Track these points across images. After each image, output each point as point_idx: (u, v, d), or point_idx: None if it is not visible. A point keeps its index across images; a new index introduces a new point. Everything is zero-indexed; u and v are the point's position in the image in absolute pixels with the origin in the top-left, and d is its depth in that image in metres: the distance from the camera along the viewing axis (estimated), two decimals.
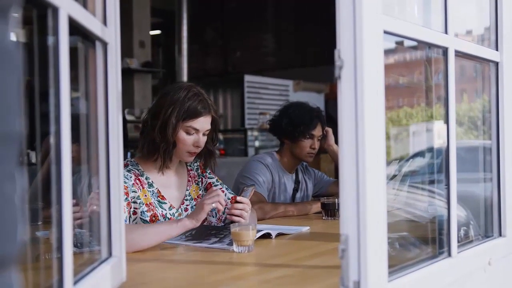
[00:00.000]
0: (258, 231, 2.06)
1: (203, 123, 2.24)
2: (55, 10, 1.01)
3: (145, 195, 2.21)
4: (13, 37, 0.59)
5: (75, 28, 1.14)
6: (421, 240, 1.76)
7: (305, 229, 2.38)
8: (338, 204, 2.67)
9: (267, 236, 2.14)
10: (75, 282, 1.11)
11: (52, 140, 1.03)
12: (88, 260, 1.40)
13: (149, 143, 2.23)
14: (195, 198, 2.39)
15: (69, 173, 1.04)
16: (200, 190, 2.42)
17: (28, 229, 0.64)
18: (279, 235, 2.21)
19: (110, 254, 1.39)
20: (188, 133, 2.22)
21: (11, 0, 0.57)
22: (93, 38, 1.31)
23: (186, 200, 2.36)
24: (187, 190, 2.38)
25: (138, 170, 2.23)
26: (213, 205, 2.00)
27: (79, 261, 1.29)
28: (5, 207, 0.57)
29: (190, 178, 2.41)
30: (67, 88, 1.04)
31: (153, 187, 2.25)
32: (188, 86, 2.29)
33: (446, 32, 1.54)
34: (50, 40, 1.04)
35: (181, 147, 2.24)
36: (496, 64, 1.84)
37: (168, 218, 2.24)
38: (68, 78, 1.05)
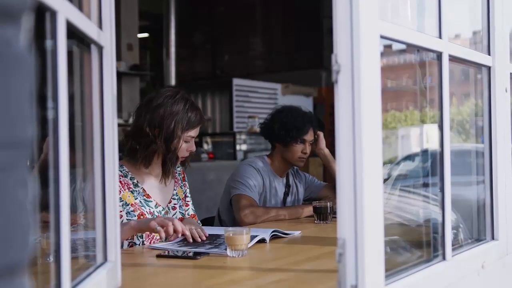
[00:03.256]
0: (252, 236, 2.05)
1: (198, 130, 2.39)
2: (53, 14, 1.00)
3: (128, 196, 2.27)
4: (24, 42, 0.59)
5: (71, 32, 1.13)
6: (414, 244, 1.76)
7: (297, 233, 2.38)
8: (330, 207, 2.69)
9: (261, 240, 2.14)
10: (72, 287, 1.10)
11: (50, 144, 1.03)
12: (83, 265, 1.39)
13: (151, 153, 2.29)
14: (182, 198, 2.49)
15: (66, 177, 1.03)
16: (183, 193, 2.53)
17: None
18: (274, 237, 2.21)
19: (105, 259, 1.38)
20: (186, 141, 2.34)
21: (23, 6, 0.57)
22: (88, 41, 1.31)
23: (174, 199, 2.45)
24: (175, 190, 2.47)
25: (121, 171, 2.26)
26: (158, 228, 1.98)
27: (74, 266, 1.28)
28: (18, 213, 0.57)
29: (176, 180, 2.51)
30: (64, 92, 1.03)
31: (139, 187, 2.32)
32: (181, 96, 2.35)
33: (440, 36, 1.55)
34: (48, 43, 1.03)
35: (177, 154, 2.34)
36: (488, 68, 1.85)
37: (155, 215, 2.31)
38: (66, 82, 1.04)
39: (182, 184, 2.53)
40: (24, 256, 0.58)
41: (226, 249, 1.90)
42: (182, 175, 2.57)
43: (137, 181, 2.32)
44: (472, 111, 2.07)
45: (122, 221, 2.21)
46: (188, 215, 2.44)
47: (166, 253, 1.94)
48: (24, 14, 0.58)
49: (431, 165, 1.85)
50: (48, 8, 0.99)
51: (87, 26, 1.22)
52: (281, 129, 3.03)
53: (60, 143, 1.02)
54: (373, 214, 1.20)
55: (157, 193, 2.38)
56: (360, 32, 1.17)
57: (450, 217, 1.56)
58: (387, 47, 1.53)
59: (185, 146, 2.34)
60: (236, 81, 8.27)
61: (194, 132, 2.35)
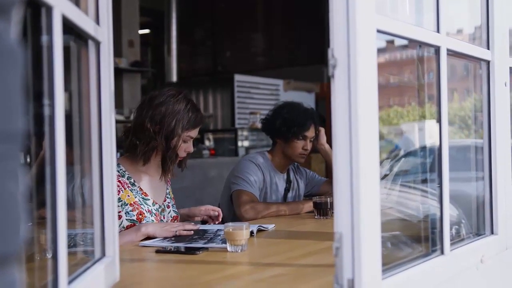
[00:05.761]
0: None
1: (197, 131, 2.41)
2: (49, 9, 1.00)
3: (128, 195, 2.30)
4: (14, 35, 0.59)
5: (68, 27, 1.13)
6: (413, 238, 1.76)
7: (271, 226, 2.41)
8: (330, 203, 2.69)
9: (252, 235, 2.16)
10: (69, 282, 1.11)
11: (45, 140, 1.03)
12: (81, 260, 1.39)
13: (150, 150, 2.32)
14: (173, 198, 2.53)
15: (63, 173, 1.03)
16: (172, 193, 2.56)
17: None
18: (269, 232, 2.24)
19: (103, 254, 1.38)
20: (184, 141, 2.36)
21: (12, 0, 0.57)
22: (85, 37, 1.31)
23: (168, 198, 2.49)
24: (167, 189, 2.51)
25: (118, 171, 2.28)
26: (177, 233, 2.17)
27: (72, 261, 1.28)
28: (9, 204, 0.57)
29: (168, 179, 2.54)
30: (61, 88, 1.03)
31: (136, 186, 2.34)
32: (184, 96, 2.38)
33: (438, 31, 1.55)
34: (44, 39, 1.03)
35: (177, 152, 2.36)
36: (488, 62, 1.85)
37: (153, 213, 2.35)
38: (62, 77, 1.04)
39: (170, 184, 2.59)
40: (14, 248, 0.58)
41: (222, 243, 1.91)
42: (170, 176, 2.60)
43: (133, 180, 2.35)
44: (474, 107, 2.06)
45: (122, 221, 2.23)
46: (171, 217, 2.46)
47: (165, 248, 1.95)
48: (14, 7, 0.59)
49: (432, 160, 1.85)
50: (43, 3, 0.99)
51: (83, 22, 1.22)
52: (283, 125, 3.03)
53: (57, 140, 1.02)
54: (369, 208, 1.20)
55: (153, 192, 2.40)
56: (357, 26, 1.17)
57: (448, 211, 1.56)
58: (390, 42, 1.53)
59: (183, 146, 2.36)
60: (238, 77, 8.26)
61: (193, 133, 2.37)
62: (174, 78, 8.52)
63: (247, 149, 7.61)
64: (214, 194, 5.10)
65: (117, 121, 6.48)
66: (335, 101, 1.20)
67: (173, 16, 8.46)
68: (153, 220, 2.31)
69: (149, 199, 2.36)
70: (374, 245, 1.22)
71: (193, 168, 5.89)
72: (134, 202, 2.29)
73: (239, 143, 7.65)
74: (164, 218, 2.41)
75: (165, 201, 2.46)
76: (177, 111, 2.31)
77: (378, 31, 1.26)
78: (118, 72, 7.47)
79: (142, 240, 2.11)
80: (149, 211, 2.32)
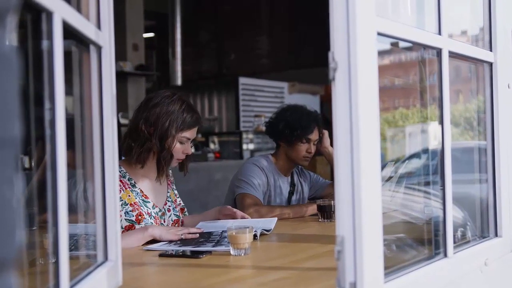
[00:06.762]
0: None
1: (194, 132, 2.40)
2: (49, 14, 1.01)
3: (129, 196, 2.31)
4: (10, 41, 0.59)
5: (69, 32, 1.13)
6: (417, 241, 1.76)
7: (273, 222, 2.42)
8: (334, 206, 2.68)
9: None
10: (71, 286, 1.11)
11: (47, 145, 1.03)
12: (83, 264, 1.39)
13: (145, 151, 2.32)
14: (174, 201, 2.52)
15: (64, 177, 1.03)
16: (175, 196, 2.57)
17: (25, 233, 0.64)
18: (262, 235, 2.25)
19: (106, 258, 1.39)
20: (181, 142, 2.36)
21: (8, 5, 0.57)
22: (87, 42, 1.31)
23: (168, 201, 2.49)
24: (168, 192, 2.51)
25: (120, 172, 2.29)
26: (182, 236, 2.16)
27: (74, 265, 1.29)
28: (4, 210, 0.57)
29: (169, 182, 2.55)
30: (61, 93, 1.04)
31: (136, 187, 2.35)
32: (179, 97, 2.38)
33: (439, 33, 1.54)
34: (44, 44, 1.04)
35: (171, 153, 2.36)
36: (490, 64, 1.84)
37: (153, 216, 2.35)
38: (63, 82, 1.04)
39: (173, 187, 2.58)
40: (10, 254, 0.58)
41: (226, 246, 1.91)
42: (172, 179, 2.61)
43: (134, 182, 2.35)
44: (479, 108, 2.06)
45: (121, 221, 2.22)
46: (172, 221, 2.47)
47: (167, 252, 1.94)
48: (9, 14, 0.59)
49: (436, 162, 1.85)
50: (44, 8, 0.99)
51: (84, 27, 1.23)
52: (286, 128, 3.03)
53: (57, 144, 1.02)
54: (371, 211, 1.20)
55: (153, 195, 2.41)
56: (357, 29, 1.17)
57: (451, 214, 1.55)
58: (394, 44, 1.53)
59: (180, 147, 2.35)
60: (243, 80, 8.27)
61: (189, 134, 2.36)
62: (179, 81, 8.52)
63: (252, 152, 7.61)
64: (219, 196, 5.11)
65: (122, 125, 6.49)
66: (336, 104, 1.20)
67: (177, 19, 8.46)
68: (152, 223, 2.31)
69: (149, 202, 2.36)
70: (376, 248, 1.22)
71: (198, 171, 5.89)
72: (134, 203, 2.29)
73: (244, 146, 7.66)
74: (164, 221, 2.41)
75: (165, 204, 2.46)
76: (171, 112, 2.31)
77: (379, 33, 1.26)
78: (123, 76, 7.47)
79: (148, 244, 2.11)
80: (148, 213, 2.32)
